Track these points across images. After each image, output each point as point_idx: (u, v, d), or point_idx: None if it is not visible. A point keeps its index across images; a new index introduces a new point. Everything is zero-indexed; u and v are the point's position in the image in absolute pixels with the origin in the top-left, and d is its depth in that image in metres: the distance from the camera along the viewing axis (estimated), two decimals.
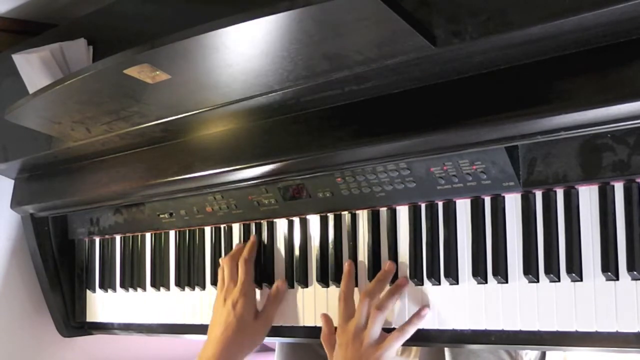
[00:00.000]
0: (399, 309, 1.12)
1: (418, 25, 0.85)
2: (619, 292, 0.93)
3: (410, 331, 1.08)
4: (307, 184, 1.19)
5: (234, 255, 1.29)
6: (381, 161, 1.05)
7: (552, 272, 0.97)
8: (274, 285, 1.27)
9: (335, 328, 1.14)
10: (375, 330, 1.09)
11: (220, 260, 1.32)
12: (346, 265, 1.17)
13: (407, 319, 1.10)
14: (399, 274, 1.12)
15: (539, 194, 1.00)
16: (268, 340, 1.32)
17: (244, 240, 1.33)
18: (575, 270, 0.95)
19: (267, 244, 1.30)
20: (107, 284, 1.59)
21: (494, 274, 1.02)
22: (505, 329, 1.01)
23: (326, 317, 1.18)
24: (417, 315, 1.09)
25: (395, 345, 1.09)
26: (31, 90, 1.28)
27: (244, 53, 0.92)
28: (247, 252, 1.28)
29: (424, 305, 1.09)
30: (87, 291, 1.64)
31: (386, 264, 1.13)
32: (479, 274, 1.04)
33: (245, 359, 1.25)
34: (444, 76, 0.95)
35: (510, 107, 0.89)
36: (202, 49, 0.92)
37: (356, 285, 1.17)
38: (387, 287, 1.12)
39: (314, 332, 1.21)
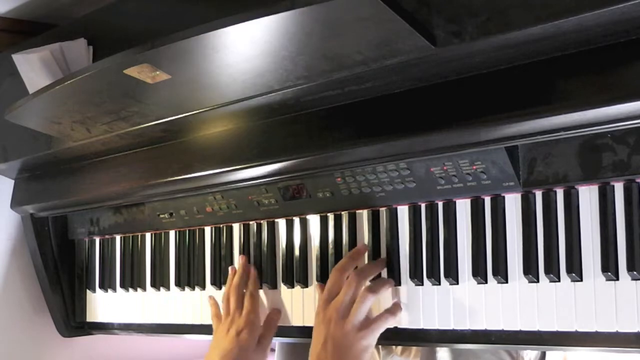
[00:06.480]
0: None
1: (418, 25, 0.85)
2: (619, 292, 0.93)
3: (396, 314, 1.10)
4: (307, 184, 1.19)
5: (239, 285, 1.29)
6: (381, 161, 1.05)
7: (552, 272, 0.97)
8: (268, 315, 1.27)
9: None
10: (362, 310, 1.08)
11: (225, 290, 1.31)
12: (360, 244, 1.16)
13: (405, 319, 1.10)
14: (400, 273, 1.12)
15: (539, 194, 1.00)
16: None
17: (244, 241, 1.33)
18: (575, 270, 0.95)
19: (267, 244, 1.30)
20: (107, 284, 1.59)
21: (494, 274, 1.02)
22: (505, 329, 1.01)
23: (321, 287, 1.18)
24: (396, 304, 1.11)
25: (380, 329, 1.08)
26: (31, 90, 1.28)
27: (244, 53, 0.92)
28: (253, 286, 1.29)
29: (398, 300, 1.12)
30: (87, 291, 1.64)
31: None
32: (479, 274, 1.04)
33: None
34: (444, 76, 0.95)
35: (510, 107, 0.89)
36: (202, 49, 0.92)
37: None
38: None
39: None
